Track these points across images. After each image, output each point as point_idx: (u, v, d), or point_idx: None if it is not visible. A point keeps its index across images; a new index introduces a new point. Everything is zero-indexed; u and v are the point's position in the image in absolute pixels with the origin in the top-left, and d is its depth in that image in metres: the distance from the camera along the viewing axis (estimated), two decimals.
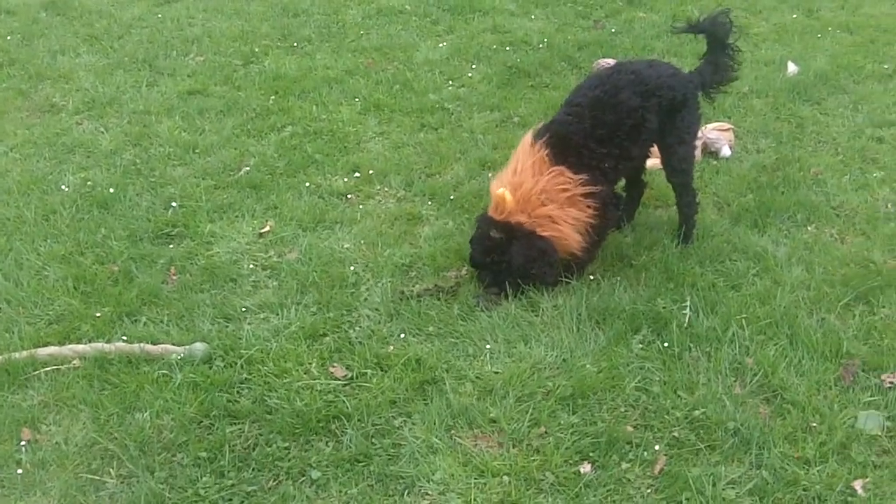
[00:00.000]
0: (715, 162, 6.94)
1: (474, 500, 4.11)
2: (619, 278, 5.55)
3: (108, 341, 5.07)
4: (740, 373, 4.83)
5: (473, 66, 8.79)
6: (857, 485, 4.15)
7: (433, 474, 4.25)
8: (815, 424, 4.48)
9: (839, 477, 4.19)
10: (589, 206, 5.36)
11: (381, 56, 9.07)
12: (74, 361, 4.91)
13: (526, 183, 5.33)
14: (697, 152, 6.90)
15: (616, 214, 5.74)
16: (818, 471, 4.23)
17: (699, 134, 6.92)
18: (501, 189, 5.33)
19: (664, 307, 5.25)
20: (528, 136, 5.52)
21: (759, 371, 4.80)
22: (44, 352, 4.97)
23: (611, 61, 8.49)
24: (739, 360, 4.89)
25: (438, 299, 5.41)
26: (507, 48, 9.20)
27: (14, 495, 4.18)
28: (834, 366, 4.85)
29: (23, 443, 4.45)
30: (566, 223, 5.35)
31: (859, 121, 7.64)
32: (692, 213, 5.88)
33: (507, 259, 5.37)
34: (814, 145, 7.28)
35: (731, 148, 7.08)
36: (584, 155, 5.38)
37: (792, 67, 8.56)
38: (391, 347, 5.05)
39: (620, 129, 5.43)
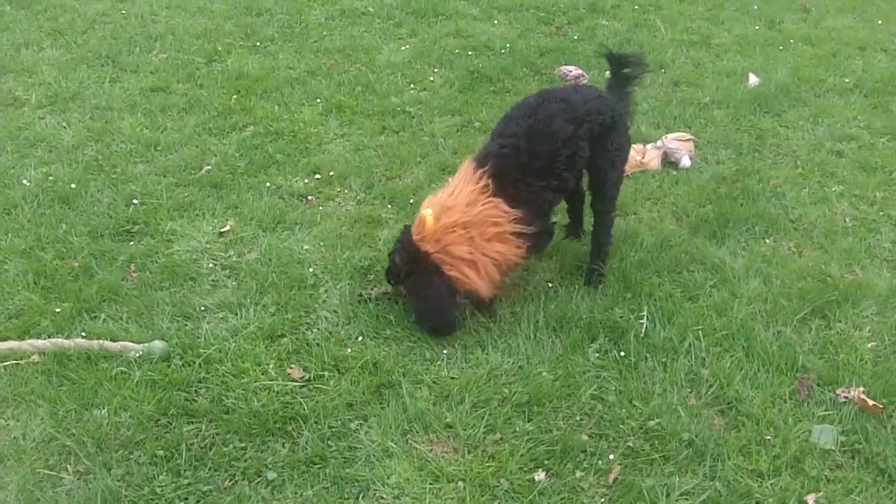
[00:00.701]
0: (674, 172, 7.01)
1: None
2: (576, 286, 5.60)
3: (68, 337, 5.07)
4: (696, 384, 4.89)
5: (436, 70, 8.82)
6: (811, 499, 4.22)
7: (388, 478, 4.29)
8: (769, 437, 4.55)
9: (792, 490, 4.26)
10: (519, 246, 5.21)
11: (344, 57, 9.08)
12: (34, 356, 4.92)
13: (455, 210, 5.12)
14: (657, 161, 6.99)
15: (547, 242, 5.69)
16: (771, 484, 4.29)
17: (659, 144, 7.02)
18: (427, 210, 5.16)
19: (621, 316, 5.31)
20: (469, 162, 5.36)
21: (715, 383, 4.87)
22: (3, 346, 4.97)
23: (572, 68, 8.60)
24: (695, 372, 4.96)
25: (396, 303, 5.43)
26: (470, 53, 9.24)
27: None
28: (789, 379, 4.92)
29: None
30: (481, 262, 5.14)
31: (819, 134, 7.73)
32: (608, 243, 5.75)
33: (406, 289, 5.33)
34: (773, 157, 7.37)
35: (690, 158, 7.14)
36: (522, 190, 5.21)
37: (753, 79, 8.65)
38: (349, 350, 5.08)
39: (558, 160, 5.26)
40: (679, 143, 7.15)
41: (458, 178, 5.30)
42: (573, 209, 6.08)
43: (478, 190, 5.13)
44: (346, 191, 6.72)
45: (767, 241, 6.17)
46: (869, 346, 5.19)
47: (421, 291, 5.20)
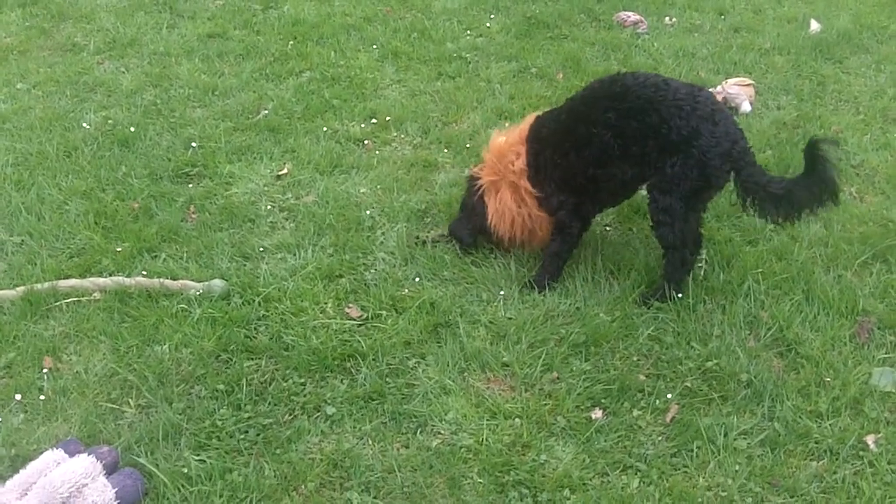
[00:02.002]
0: (735, 117, 6.91)
1: (486, 440, 4.18)
2: (633, 230, 5.60)
3: (129, 276, 5.13)
4: (755, 326, 4.87)
5: (492, 16, 8.78)
6: (870, 440, 4.20)
7: (446, 414, 4.33)
8: (828, 379, 4.53)
9: (851, 431, 4.24)
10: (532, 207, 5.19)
11: (400, 4, 9.05)
12: (95, 294, 4.98)
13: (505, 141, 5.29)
14: None
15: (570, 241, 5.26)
16: (830, 425, 4.28)
17: (719, 89, 6.95)
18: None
19: None
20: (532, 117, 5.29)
21: (774, 325, 4.84)
22: (65, 284, 5.03)
23: (630, 14, 8.53)
24: (754, 314, 4.94)
25: (452, 245, 5.46)
26: None
27: (37, 420, 4.27)
28: (849, 322, 4.89)
29: (44, 371, 4.53)
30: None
31: (881, 81, 7.65)
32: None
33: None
34: (835, 104, 7.30)
35: (751, 103, 7.08)
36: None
37: (814, 25, 8.55)
38: (406, 290, 5.11)
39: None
40: (739, 89, 7.08)
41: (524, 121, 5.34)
42: None
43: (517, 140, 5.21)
44: (402, 135, 6.73)
45: None
46: None
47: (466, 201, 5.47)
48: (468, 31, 8.46)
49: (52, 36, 8.27)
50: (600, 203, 5.23)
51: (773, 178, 4.80)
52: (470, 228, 5.36)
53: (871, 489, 3.96)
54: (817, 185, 4.66)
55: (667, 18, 8.78)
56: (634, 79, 4.89)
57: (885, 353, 4.71)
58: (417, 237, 5.53)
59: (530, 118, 5.27)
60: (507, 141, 5.24)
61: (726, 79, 7.27)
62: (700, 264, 5.23)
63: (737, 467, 4.07)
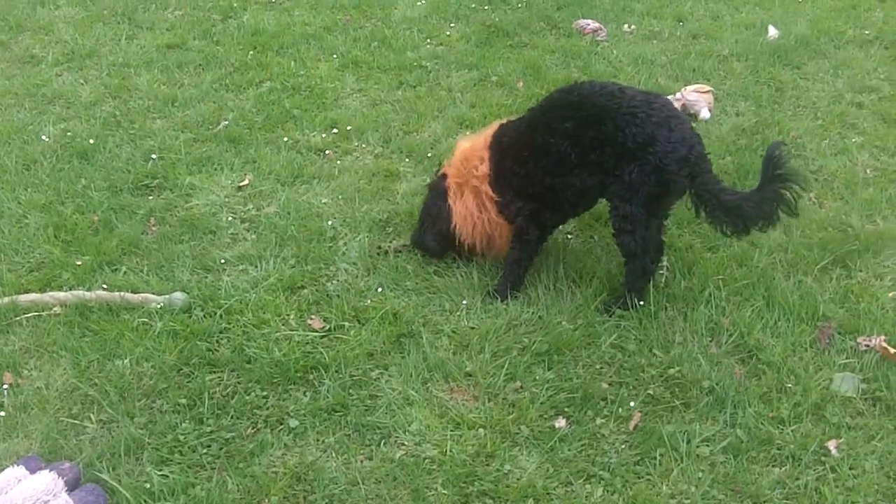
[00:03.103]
0: (694, 124, 6.90)
1: (450, 450, 4.17)
2: (595, 238, 5.62)
3: (89, 289, 5.10)
4: (716, 333, 4.89)
5: (452, 25, 8.81)
6: (832, 445, 4.22)
7: (409, 425, 4.31)
8: (790, 385, 4.55)
9: (813, 437, 4.26)
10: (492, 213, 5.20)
11: (360, 13, 9.08)
12: (55, 308, 4.95)
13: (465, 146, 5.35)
14: None
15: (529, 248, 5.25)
16: (792, 430, 4.30)
17: (678, 96, 6.99)
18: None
19: None
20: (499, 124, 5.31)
21: (735, 332, 4.87)
22: (25, 298, 5.00)
23: (590, 21, 8.57)
24: (715, 321, 4.96)
25: (415, 255, 5.45)
26: (486, 7, 9.23)
27: None
28: (810, 328, 4.92)
29: (4, 386, 4.49)
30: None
31: (839, 86, 7.71)
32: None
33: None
34: (793, 109, 7.35)
35: (709, 110, 7.12)
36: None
37: (773, 31, 8.61)
38: (368, 301, 5.10)
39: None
40: (698, 96, 7.12)
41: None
42: None
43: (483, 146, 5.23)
44: (363, 145, 6.73)
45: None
46: (890, 294, 5.18)
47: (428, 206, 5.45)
48: (428, 40, 8.48)
49: (10, 48, 8.25)
50: (561, 213, 5.23)
51: (725, 189, 4.82)
52: (435, 233, 5.34)
53: (833, 494, 3.98)
54: (769, 202, 4.65)
55: (626, 26, 8.82)
56: (591, 87, 4.94)
57: (846, 359, 4.72)
58: (380, 247, 5.53)
59: (495, 125, 5.28)
60: (472, 146, 5.27)
61: (685, 85, 7.31)
62: (661, 271, 5.25)
63: (700, 474, 4.08)
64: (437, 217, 5.32)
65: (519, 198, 5.10)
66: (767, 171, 4.66)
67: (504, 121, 5.28)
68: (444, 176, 5.35)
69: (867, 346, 4.79)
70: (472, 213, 5.20)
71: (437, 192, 5.35)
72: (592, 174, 4.90)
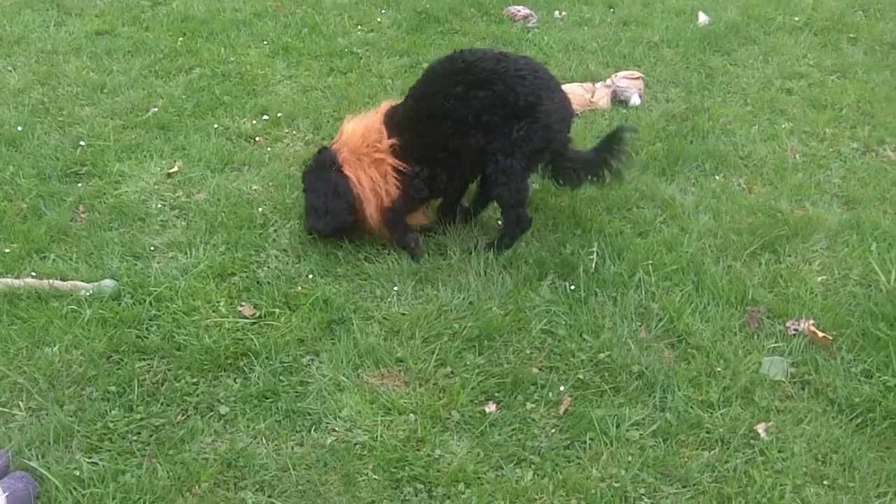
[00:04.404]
0: (624, 110, 7.06)
1: (381, 436, 4.18)
2: None
3: (17, 277, 5.07)
4: (646, 318, 4.93)
5: (383, 11, 8.80)
6: (760, 428, 4.27)
7: (340, 411, 4.32)
8: (719, 369, 4.60)
9: (742, 420, 4.31)
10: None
11: None
12: None
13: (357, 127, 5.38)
14: (607, 100, 7.01)
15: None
16: (722, 414, 4.35)
17: (608, 82, 7.04)
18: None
19: (571, 252, 5.34)
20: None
21: (665, 316, 4.91)
22: None
23: (521, 8, 8.61)
24: (645, 306, 5.00)
25: (345, 241, 5.45)
26: None
27: None
28: (739, 312, 4.97)
29: None
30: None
31: (769, 72, 7.78)
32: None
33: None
34: (723, 95, 7.41)
35: (640, 96, 7.18)
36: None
37: (703, 17, 8.69)
38: (299, 287, 5.10)
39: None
40: (628, 82, 7.17)
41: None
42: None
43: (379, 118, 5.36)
44: (293, 132, 6.72)
45: (717, 177, 6.21)
46: (818, 279, 5.24)
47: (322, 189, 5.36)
48: (359, 27, 8.47)
49: None
50: (461, 176, 5.47)
51: (570, 149, 5.46)
52: (337, 208, 5.30)
53: (762, 477, 4.03)
54: (600, 163, 5.41)
55: (556, 12, 8.86)
56: (473, 55, 5.24)
57: (775, 343, 4.78)
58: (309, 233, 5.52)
59: (383, 106, 5.42)
60: (367, 123, 5.34)
61: (616, 72, 7.35)
62: (591, 257, 5.27)
63: (630, 458, 4.11)
64: (335, 191, 5.29)
65: (419, 165, 5.25)
66: (608, 142, 5.42)
67: (391, 102, 5.44)
68: (332, 152, 5.36)
69: (796, 330, 4.84)
70: (378, 182, 5.24)
71: (330, 168, 5.32)
72: (486, 134, 5.12)
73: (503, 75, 5.07)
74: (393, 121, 5.28)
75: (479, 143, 5.16)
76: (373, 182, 5.23)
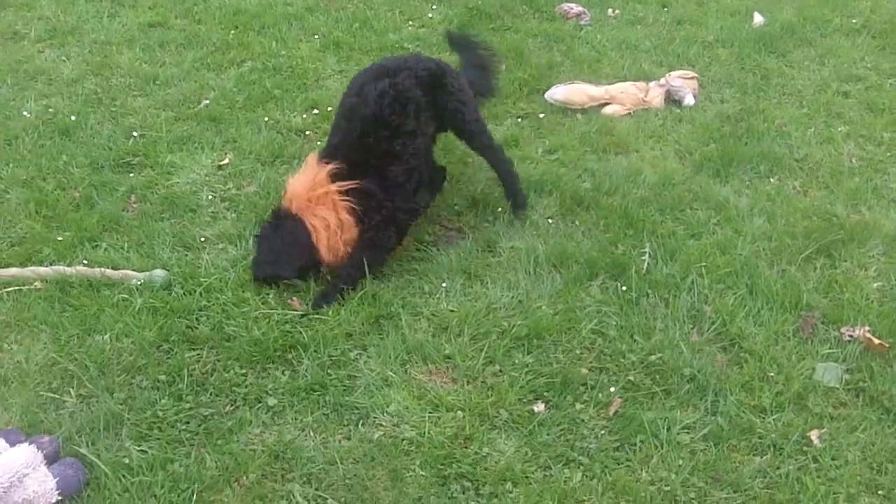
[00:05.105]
0: (678, 110, 6.99)
1: (428, 432, 4.18)
2: (577, 223, 5.60)
3: (70, 265, 5.10)
4: (698, 320, 4.88)
5: (434, 7, 8.76)
6: (814, 435, 4.22)
7: (388, 406, 4.32)
8: (772, 374, 4.55)
9: (795, 427, 4.26)
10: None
11: None
12: (36, 283, 4.96)
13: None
14: (660, 99, 6.97)
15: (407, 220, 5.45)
16: (774, 419, 4.30)
17: (662, 82, 7.00)
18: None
19: (623, 253, 5.31)
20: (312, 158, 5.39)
21: (718, 319, 4.86)
22: (5, 272, 5.01)
23: (573, 5, 8.56)
24: (698, 308, 4.95)
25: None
26: None
27: None
28: (793, 317, 4.91)
29: None
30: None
31: (825, 74, 7.68)
32: (511, 168, 5.86)
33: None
34: (778, 97, 7.33)
35: (694, 96, 7.10)
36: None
37: (758, 18, 8.59)
38: None
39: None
40: (683, 82, 7.10)
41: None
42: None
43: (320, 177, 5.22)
44: None
45: (772, 180, 6.14)
46: (874, 285, 5.18)
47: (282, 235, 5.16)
48: (410, 22, 8.45)
49: None
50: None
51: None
52: (292, 255, 5.12)
53: (815, 485, 3.99)
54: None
55: (610, 10, 8.81)
56: (392, 61, 5.62)
57: (829, 349, 4.72)
58: None
59: (311, 158, 5.35)
60: (305, 170, 5.30)
61: (669, 71, 7.29)
62: (643, 257, 5.25)
63: (680, 462, 4.08)
64: (292, 236, 5.11)
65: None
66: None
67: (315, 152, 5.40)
68: (284, 208, 5.22)
69: (851, 336, 4.77)
70: (328, 218, 5.11)
71: (284, 219, 5.18)
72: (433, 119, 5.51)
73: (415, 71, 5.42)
74: (327, 152, 5.30)
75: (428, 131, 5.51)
76: (324, 220, 5.11)
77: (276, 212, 5.23)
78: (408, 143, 5.26)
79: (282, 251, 5.10)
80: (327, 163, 5.17)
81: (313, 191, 5.15)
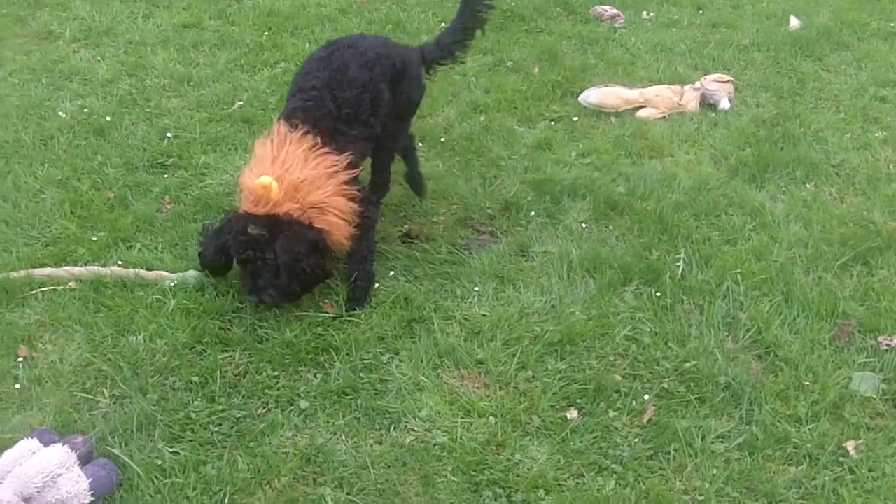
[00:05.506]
0: (713, 114, 6.97)
1: (460, 438, 4.17)
2: (611, 228, 5.60)
3: (104, 265, 5.13)
4: (733, 328, 4.85)
5: None
6: (850, 446, 4.18)
7: (419, 411, 4.31)
8: (807, 383, 4.51)
9: (831, 437, 4.22)
10: (352, 198, 4.96)
11: None
12: (70, 283, 4.98)
13: (293, 170, 4.79)
14: (695, 103, 6.94)
15: (376, 211, 5.31)
16: (809, 429, 4.26)
17: (697, 85, 6.96)
18: (264, 178, 4.73)
19: (657, 258, 5.29)
20: (281, 126, 4.95)
21: (753, 327, 4.82)
22: (40, 272, 5.03)
23: (608, 8, 8.54)
24: (733, 315, 4.92)
25: (421, 241, 5.47)
26: None
27: (11, 409, 4.26)
28: (829, 325, 4.87)
29: (19, 359, 4.52)
30: (335, 209, 4.90)
31: (862, 79, 7.64)
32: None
33: (270, 257, 4.75)
34: (815, 102, 7.28)
35: (729, 100, 7.06)
36: (339, 141, 4.98)
37: (794, 22, 8.55)
38: (378, 285, 5.10)
39: (362, 106, 5.14)
40: (718, 85, 7.07)
41: (273, 145, 4.92)
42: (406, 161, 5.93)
43: (307, 146, 4.88)
44: None
45: (808, 185, 6.10)
46: None
47: (295, 248, 4.76)
48: (443, 24, 8.38)
49: (28, 24, 8.25)
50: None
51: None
52: (312, 264, 4.87)
53: (851, 496, 3.95)
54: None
55: (644, 13, 8.79)
56: (345, 41, 5.47)
57: (866, 358, 4.68)
58: (402, 233, 5.55)
59: (281, 138, 4.96)
60: (303, 174, 4.84)
61: (705, 75, 7.26)
62: (678, 263, 5.24)
63: (714, 471, 4.06)
64: (309, 245, 4.83)
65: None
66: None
67: (292, 125, 4.98)
68: (276, 216, 4.78)
69: (888, 345, 4.73)
70: (348, 209, 4.96)
71: (289, 229, 4.79)
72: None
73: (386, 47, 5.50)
74: (316, 125, 4.97)
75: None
76: (338, 217, 4.92)
77: (264, 220, 4.79)
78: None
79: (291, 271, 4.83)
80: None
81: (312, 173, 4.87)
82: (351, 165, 4.99)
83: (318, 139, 4.89)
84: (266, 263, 4.75)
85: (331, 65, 5.17)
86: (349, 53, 5.23)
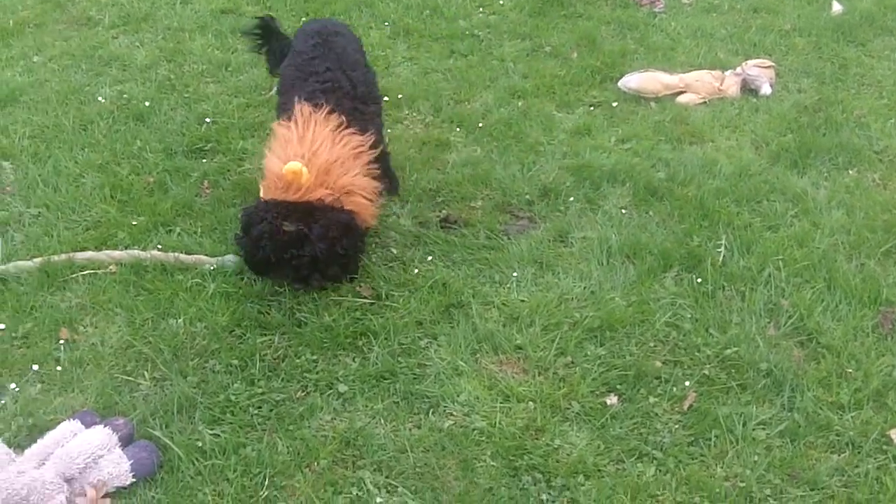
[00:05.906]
0: (754, 100, 6.92)
1: (499, 423, 4.16)
2: (651, 213, 5.57)
3: (144, 249, 5.16)
4: (775, 314, 4.81)
5: None
6: (894, 433, 4.14)
7: (458, 395, 4.31)
8: (850, 370, 4.47)
9: (874, 424, 4.19)
10: (375, 177, 5.00)
11: None
12: (111, 267, 5.01)
13: (321, 152, 4.74)
14: (736, 88, 6.90)
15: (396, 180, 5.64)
16: (852, 417, 4.23)
17: (738, 70, 6.92)
18: (293, 163, 4.66)
19: (698, 245, 5.26)
20: (304, 106, 4.92)
21: (795, 314, 4.79)
22: (81, 256, 5.06)
23: None
24: (774, 302, 4.88)
25: (459, 226, 5.46)
26: None
27: (53, 391, 4.29)
28: (872, 312, 4.82)
29: (61, 342, 4.55)
30: (362, 189, 4.89)
31: None
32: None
33: (311, 251, 4.69)
34: (857, 87, 7.21)
35: (771, 86, 7.01)
36: (360, 120, 5.02)
37: (836, 6, 8.46)
38: (417, 270, 5.10)
39: (372, 85, 5.45)
40: (759, 71, 7.01)
41: (298, 123, 4.90)
42: None
43: (333, 125, 4.87)
44: (413, 114, 6.72)
45: (851, 172, 6.04)
46: None
47: (330, 234, 4.68)
48: (481, 9, 8.43)
49: (68, 10, 8.30)
50: None
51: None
52: (355, 247, 4.90)
53: (895, 485, 3.92)
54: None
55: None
56: (326, 28, 5.59)
57: None
58: (437, 217, 5.54)
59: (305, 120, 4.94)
60: (326, 156, 4.79)
61: (746, 60, 7.21)
62: (719, 249, 5.20)
63: (755, 458, 4.03)
64: (345, 228, 4.78)
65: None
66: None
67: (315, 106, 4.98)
68: (309, 202, 4.72)
69: None
70: (368, 192, 4.96)
71: (324, 216, 4.73)
72: None
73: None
74: (339, 106, 4.99)
75: None
76: (364, 198, 4.92)
77: (299, 208, 4.72)
78: None
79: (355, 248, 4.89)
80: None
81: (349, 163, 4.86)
82: (374, 145, 5.02)
83: (343, 119, 4.91)
84: (307, 257, 4.71)
85: (333, 48, 5.30)
86: (340, 38, 5.43)
